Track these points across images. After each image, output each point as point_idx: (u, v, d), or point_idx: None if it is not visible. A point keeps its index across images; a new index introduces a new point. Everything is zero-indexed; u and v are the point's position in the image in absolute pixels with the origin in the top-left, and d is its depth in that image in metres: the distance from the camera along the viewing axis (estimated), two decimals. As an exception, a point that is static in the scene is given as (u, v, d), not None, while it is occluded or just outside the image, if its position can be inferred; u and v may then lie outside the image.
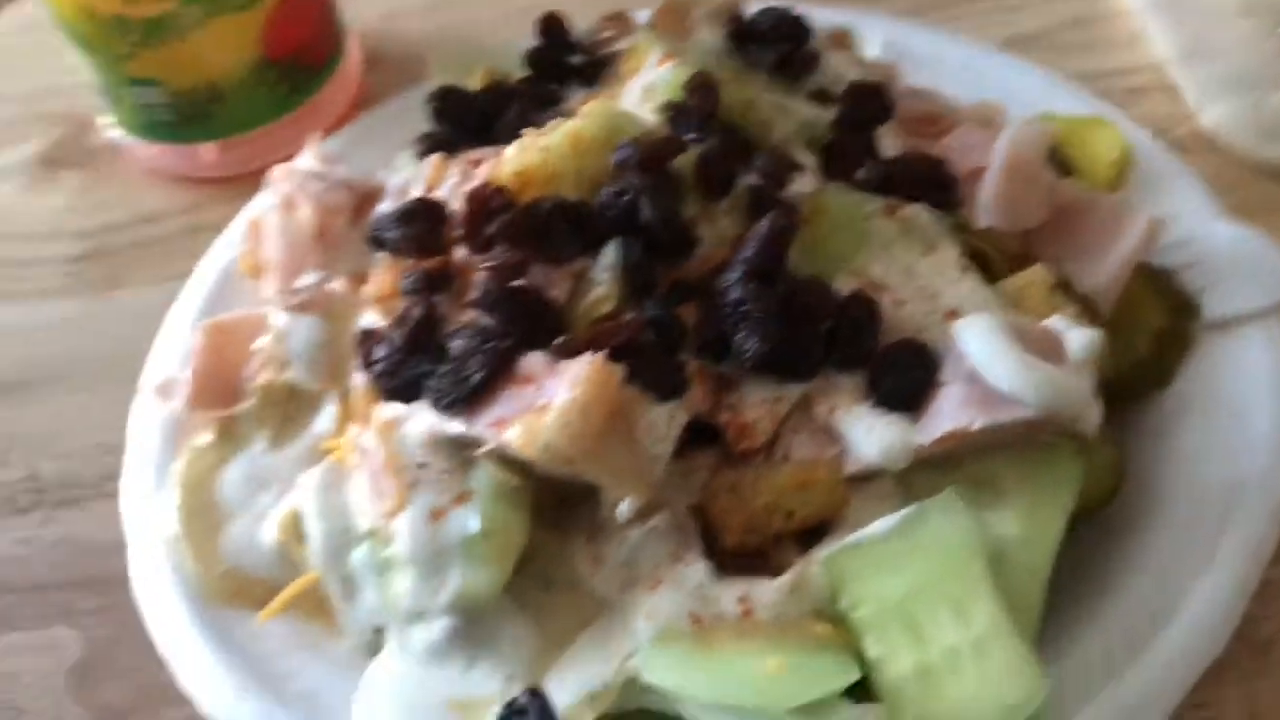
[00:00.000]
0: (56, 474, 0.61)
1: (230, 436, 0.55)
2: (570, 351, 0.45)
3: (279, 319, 0.54)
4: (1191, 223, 0.58)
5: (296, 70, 0.72)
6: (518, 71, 0.64)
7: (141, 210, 0.74)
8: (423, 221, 0.52)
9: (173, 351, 0.60)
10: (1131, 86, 0.71)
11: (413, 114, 0.65)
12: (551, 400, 0.44)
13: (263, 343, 0.55)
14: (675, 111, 0.54)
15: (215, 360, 0.56)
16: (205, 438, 0.55)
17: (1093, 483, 0.49)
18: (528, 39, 0.65)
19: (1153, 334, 0.54)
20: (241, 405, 0.55)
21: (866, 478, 0.46)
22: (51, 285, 0.70)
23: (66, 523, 0.59)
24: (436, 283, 0.50)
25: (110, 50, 0.67)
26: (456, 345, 0.47)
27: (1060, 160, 0.59)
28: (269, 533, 0.51)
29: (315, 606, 0.49)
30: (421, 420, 0.47)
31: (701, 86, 0.54)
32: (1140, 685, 0.44)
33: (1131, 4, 0.75)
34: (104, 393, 0.64)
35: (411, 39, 0.82)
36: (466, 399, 0.46)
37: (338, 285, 0.55)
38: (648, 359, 0.46)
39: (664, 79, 0.56)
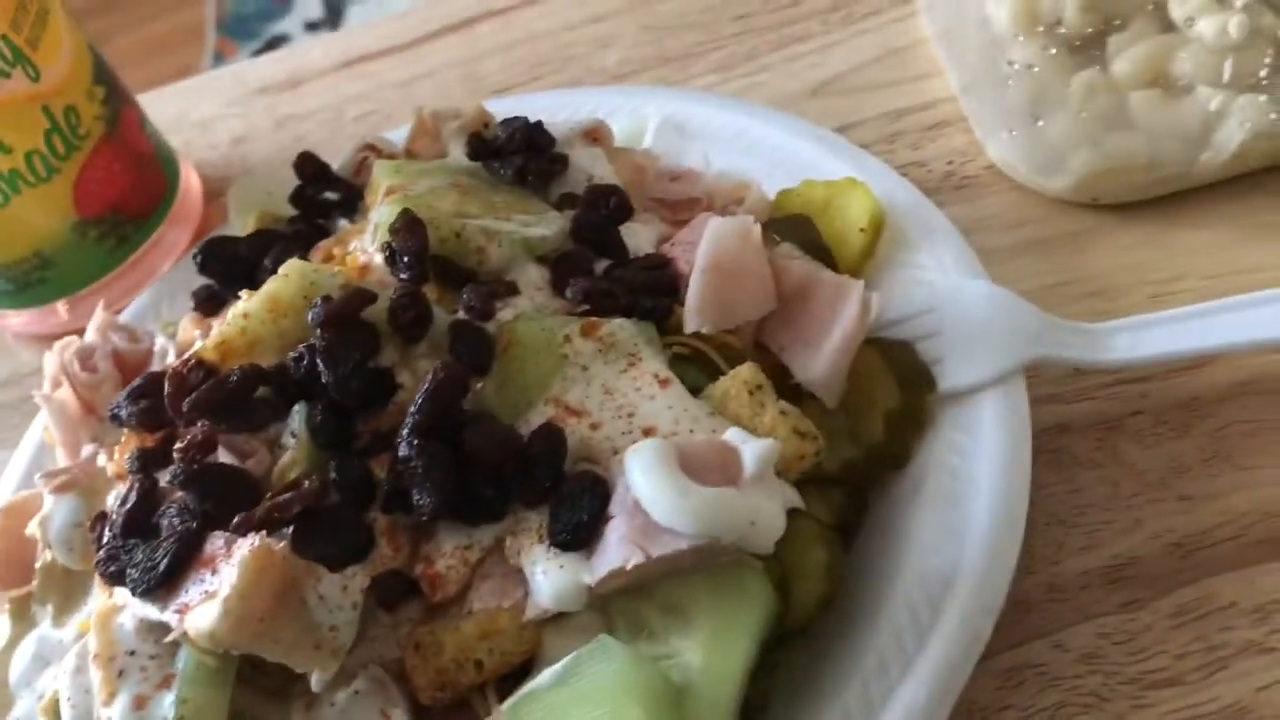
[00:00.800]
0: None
1: (22, 616, 0.57)
2: (246, 529, 0.46)
3: (46, 501, 0.56)
4: (941, 285, 0.56)
5: (120, 223, 0.74)
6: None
7: (2, 374, 0.77)
8: (151, 397, 0.54)
9: (-11, 529, 0.63)
10: (932, 121, 0.69)
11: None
12: (220, 587, 0.45)
13: (33, 526, 0.57)
14: (389, 251, 0.54)
15: (11, 541, 0.59)
16: (1, 619, 0.58)
17: (804, 590, 0.48)
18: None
19: (882, 415, 0.52)
20: (30, 585, 0.57)
21: (560, 615, 0.46)
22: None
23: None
24: (155, 460, 0.52)
25: (-70, 236, 0.71)
26: (162, 527, 0.49)
27: (810, 235, 0.58)
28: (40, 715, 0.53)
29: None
30: (133, 606, 0.49)
31: (407, 226, 0.54)
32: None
33: (931, 32, 0.72)
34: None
35: (257, 160, 0.85)
36: (157, 585, 0.47)
37: (103, 460, 0.57)
38: (321, 526, 0.46)
39: (384, 217, 0.56)
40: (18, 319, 0.78)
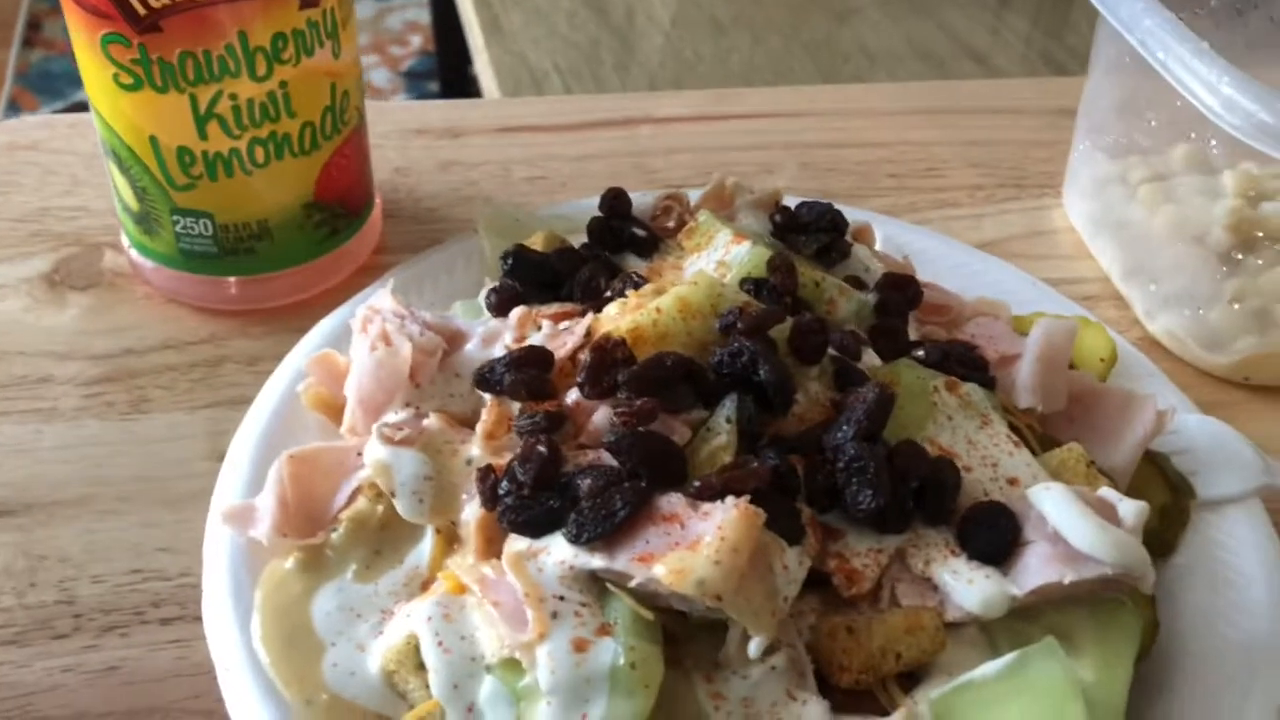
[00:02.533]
0: (94, 600, 0.60)
1: (314, 565, 0.55)
2: (708, 494, 0.49)
3: (379, 452, 0.55)
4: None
5: (339, 214, 0.74)
6: (568, 236, 0.70)
7: (161, 336, 0.74)
8: (534, 367, 0.56)
9: (237, 480, 0.60)
10: (1085, 294, 0.81)
11: (445, 265, 0.73)
12: (701, 539, 0.47)
13: (362, 474, 0.56)
14: (755, 286, 0.60)
15: (299, 490, 0.57)
16: (285, 565, 0.55)
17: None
18: (546, 205, 0.74)
19: (1158, 509, 0.61)
20: (326, 535, 0.56)
21: (957, 625, 0.51)
22: (69, 405, 0.69)
23: (110, 649, 0.58)
24: (554, 424, 0.54)
25: (169, 181, 0.68)
26: (586, 484, 0.51)
27: (1062, 354, 0.68)
28: (374, 662, 0.52)
29: (432, 737, 0.50)
30: (557, 554, 0.49)
31: (783, 266, 0.60)
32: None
33: (1076, 223, 0.86)
34: (135, 516, 0.64)
35: (422, 194, 0.86)
36: (609, 535, 0.49)
37: (431, 422, 0.57)
38: (776, 505, 0.50)
39: (740, 257, 0.62)
40: (174, 280, 0.74)
